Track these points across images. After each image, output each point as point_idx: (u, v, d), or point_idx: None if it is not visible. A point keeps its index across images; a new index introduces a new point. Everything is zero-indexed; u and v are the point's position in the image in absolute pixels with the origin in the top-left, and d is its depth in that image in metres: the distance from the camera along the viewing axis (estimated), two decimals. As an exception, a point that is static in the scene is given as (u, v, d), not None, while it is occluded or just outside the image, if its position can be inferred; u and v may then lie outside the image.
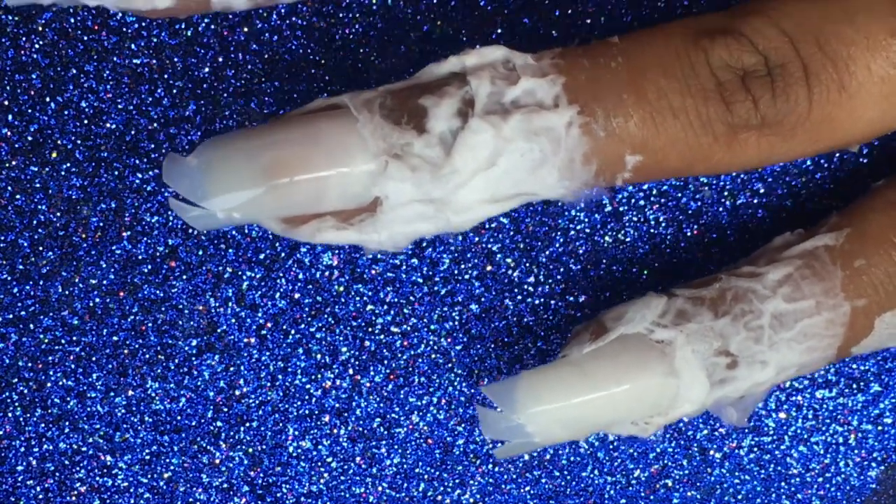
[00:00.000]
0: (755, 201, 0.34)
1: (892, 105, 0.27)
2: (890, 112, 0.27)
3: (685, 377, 0.28)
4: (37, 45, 0.31)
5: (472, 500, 0.36)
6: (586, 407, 0.28)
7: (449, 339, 0.34)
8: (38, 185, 0.32)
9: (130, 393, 0.34)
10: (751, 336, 0.28)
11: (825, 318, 0.28)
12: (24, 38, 0.31)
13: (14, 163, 0.32)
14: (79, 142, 0.32)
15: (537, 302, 0.34)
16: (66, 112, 0.31)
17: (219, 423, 0.34)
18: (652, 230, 0.34)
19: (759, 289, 0.28)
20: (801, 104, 0.26)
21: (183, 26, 0.32)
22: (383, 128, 0.25)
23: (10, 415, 0.34)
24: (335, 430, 0.35)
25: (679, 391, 0.28)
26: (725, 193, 0.34)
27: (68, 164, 0.32)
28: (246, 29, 0.32)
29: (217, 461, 0.35)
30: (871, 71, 0.26)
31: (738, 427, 0.32)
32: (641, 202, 0.33)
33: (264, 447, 0.35)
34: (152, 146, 0.32)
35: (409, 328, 0.34)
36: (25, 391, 0.34)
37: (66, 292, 0.33)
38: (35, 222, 0.33)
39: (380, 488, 0.35)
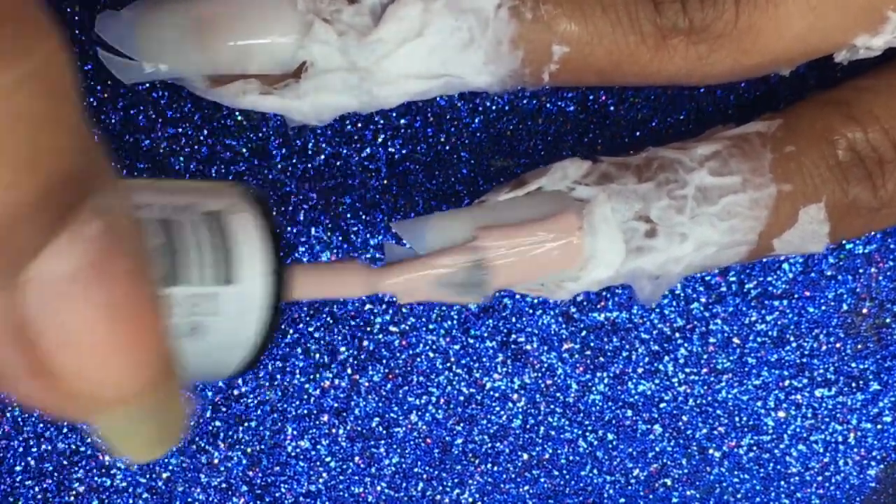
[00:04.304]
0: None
1: (818, 18, 0.27)
2: (817, 26, 0.27)
3: (602, 237, 0.27)
4: (35, 45, 0.31)
5: (470, 500, 0.36)
6: None
7: (447, 339, 0.34)
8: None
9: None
10: (673, 205, 0.28)
11: (750, 197, 0.28)
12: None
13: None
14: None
15: (536, 302, 0.34)
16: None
17: (217, 423, 0.34)
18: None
19: (686, 161, 0.28)
20: (728, 10, 0.27)
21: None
22: None
23: (8, 415, 0.34)
24: (334, 430, 0.35)
25: (595, 253, 0.27)
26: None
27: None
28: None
29: (215, 461, 0.35)
30: None
31: (646, 304, 0.31)
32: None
33: (263, 447, 0.35)
34: (151, 146, 0.32)
35: (407, 327, 0.34)
36: (24, 391, 0.34)
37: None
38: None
39: (378, 488, 0.35)
